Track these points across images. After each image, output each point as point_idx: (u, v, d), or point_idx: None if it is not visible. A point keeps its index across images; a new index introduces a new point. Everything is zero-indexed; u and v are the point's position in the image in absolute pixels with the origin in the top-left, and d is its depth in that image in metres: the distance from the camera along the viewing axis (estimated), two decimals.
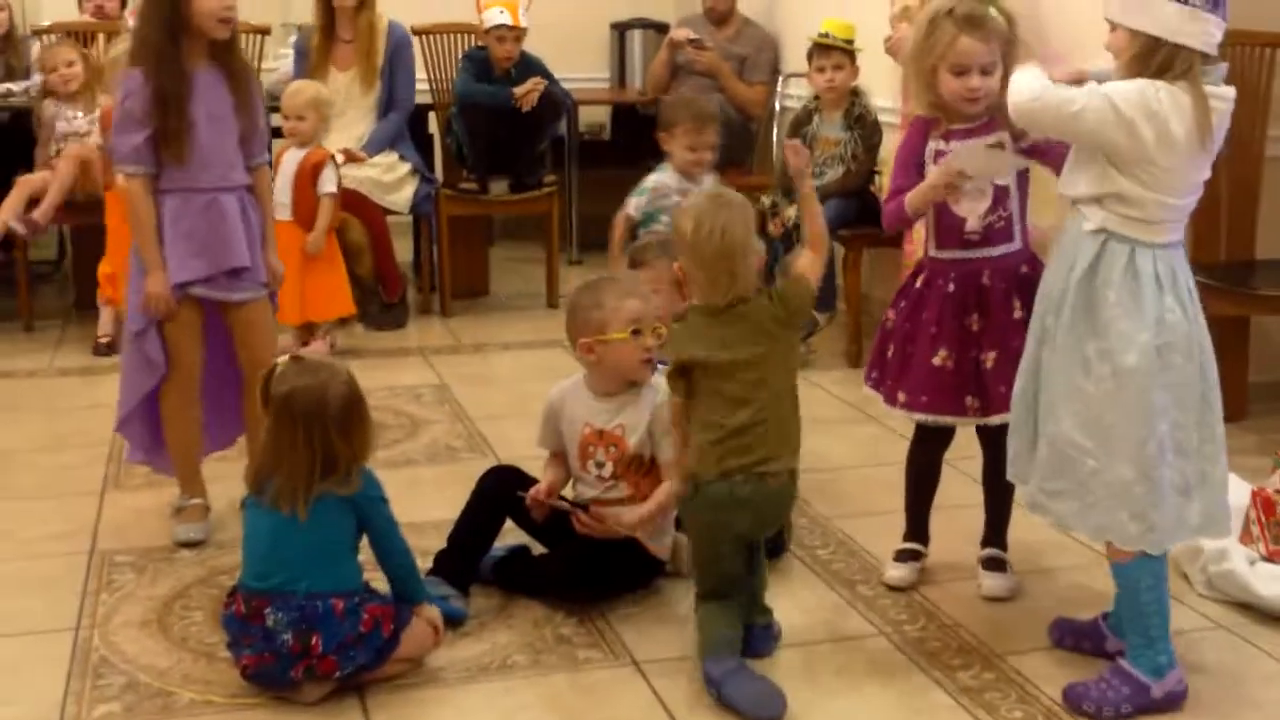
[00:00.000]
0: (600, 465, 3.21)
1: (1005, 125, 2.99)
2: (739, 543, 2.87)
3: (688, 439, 2.86)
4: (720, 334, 2.79)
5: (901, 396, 3.16)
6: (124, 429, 3.65)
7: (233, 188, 3.46)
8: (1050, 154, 2.95)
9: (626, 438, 3.18)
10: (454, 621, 3.02)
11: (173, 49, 3.31)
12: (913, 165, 3.12)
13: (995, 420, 3.06)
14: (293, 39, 6.36)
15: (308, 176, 5.23)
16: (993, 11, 2.97)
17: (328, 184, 5.27)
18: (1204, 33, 2.53)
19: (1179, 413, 2.62)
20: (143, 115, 3.33)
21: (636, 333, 3.14)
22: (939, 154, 3.07)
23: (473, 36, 6.28)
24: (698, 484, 2.81)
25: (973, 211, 3.06)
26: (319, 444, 2.73)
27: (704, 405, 2.81)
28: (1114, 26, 2.62)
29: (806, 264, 2.87)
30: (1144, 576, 2.68)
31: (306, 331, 5.35)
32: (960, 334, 3.08)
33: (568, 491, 3.32)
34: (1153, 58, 2.54)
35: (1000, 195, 3.05)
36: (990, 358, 3.06)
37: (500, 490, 3.26)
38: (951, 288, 3.08)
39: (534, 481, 3.27)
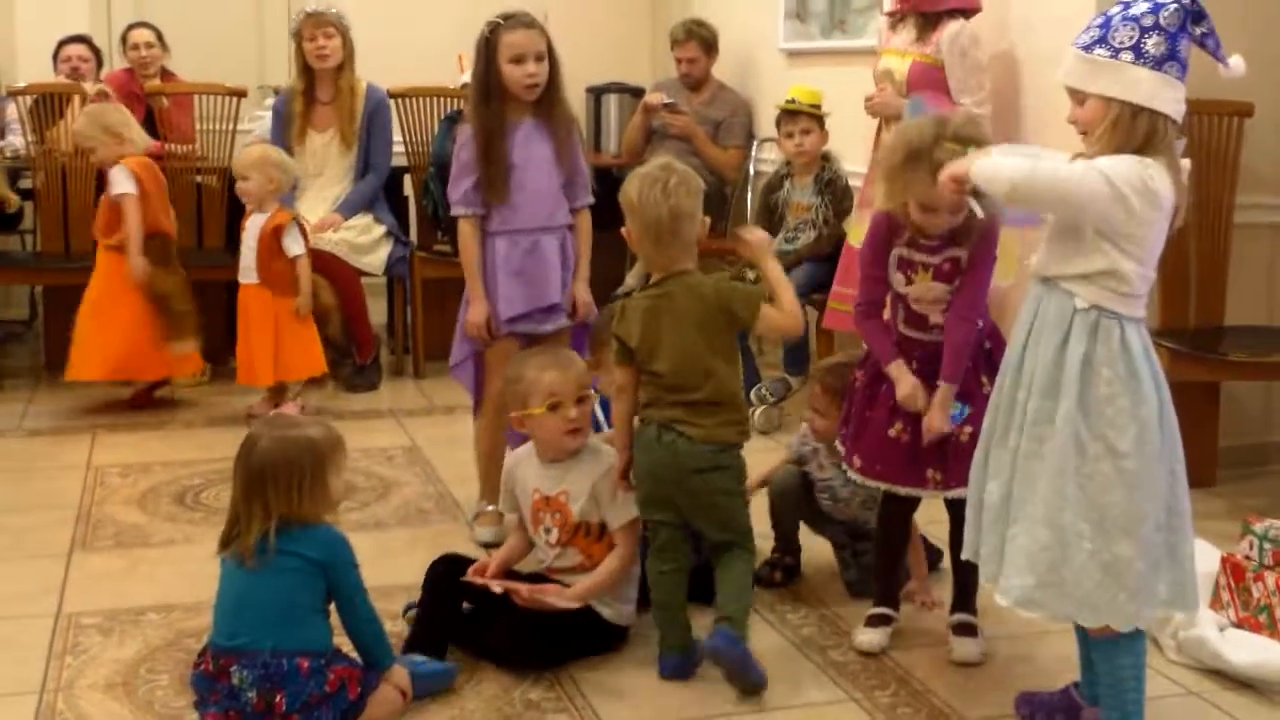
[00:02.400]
0: (549, 531, 3.20)
1: (965, 242, 3.04)
2: (658, 496, 3.08)
3: (628, 406, 3.10)
4: (657, 321, 3.02)
5: (856, 461, 3.19)
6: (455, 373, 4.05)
7: (555, 228, 3.83)
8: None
9: (570, 504, 3.18)
10: (447, 679, 3.01)
11: (487, 109, 3.73)
12: (876, 274, 3.15)
13: (955, 494, 3.08)
14: (270, 100, 6.39)
15: (269, 240, 5.18)
16: (971, 153, 2.88)
17: (295, 247, 5.22)
18: (1176, 100, 2.55)
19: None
20: (471, 164, 3.73)
21: (554, 407, 3.15)
22: (902, 261, 3.10)
23: (449, 100, 6.31)
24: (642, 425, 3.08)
25: (932, 312, 3.11)
26: (256, 496, 2.76)
27: (645, 378, 3.06)
28: (1081, 99, 2.59)
29: (774, 312, 3.01)
30: (1128, 654, 2.66)
31: (278, 393, 5.33)
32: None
33: (532, 557, 3.31)
34: (1134, 127, 2.53)
35: None
36: (964, 432, 3.07)
37: (450, 578, 3.22)
38: (915, 365, 3.12)
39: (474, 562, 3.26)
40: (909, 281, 3.09)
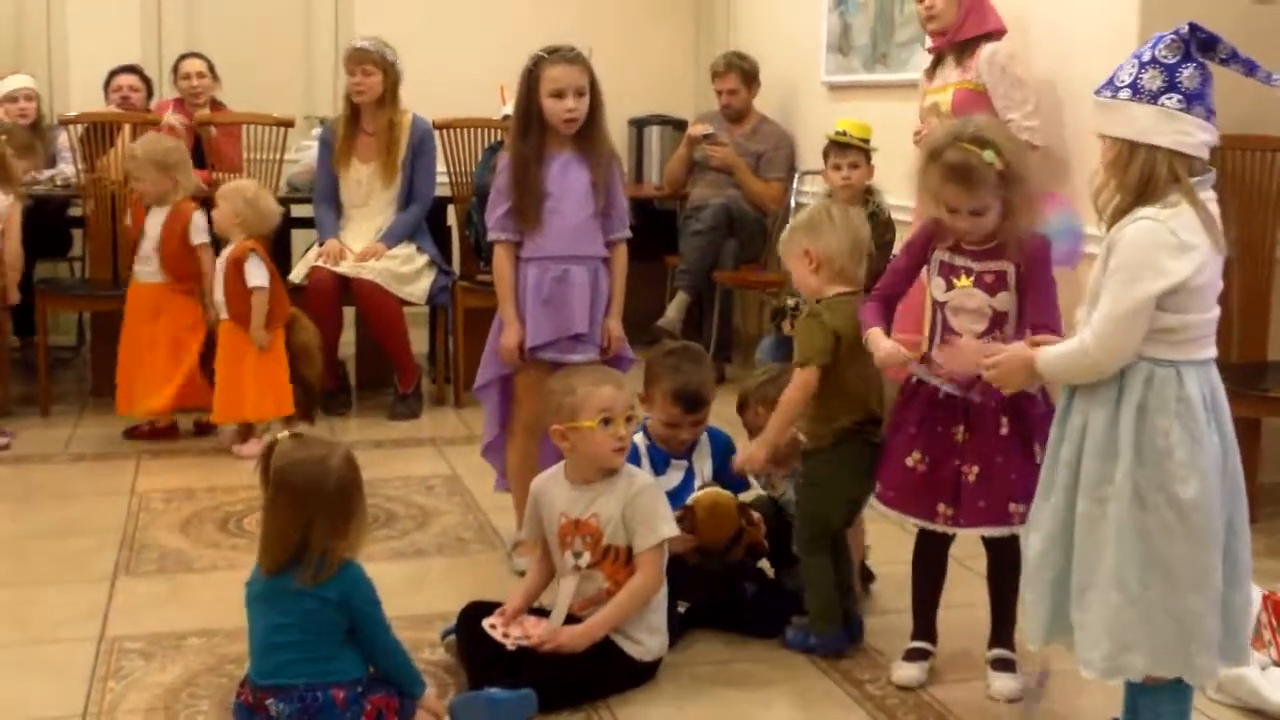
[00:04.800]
0: (578, 555, 3.20)
1: (1011, 253, 3.04)
2: (854, 495, 3.35)
3: (803, 407, 3.31)
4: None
5: (878, 487, 3.24)
6: (487, 455, 4.14)
7: (587, 258, 3.84)
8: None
9: (602, 528, 3.18)
10: (528, 705, 2.99)
11: (526, 140, 3.79)
12: (902, 269, 3.19)
13: (967, 531, 3.12)
14: (317, 130, 6.45)
15: (233, 272, 5.12)
16: (987, 156, 2.93)
17: (254, 278, 5.11)
18: (1178, 131, 2.51)
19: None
20: (505, 191, 3.80)
21: (607, 421, 3.17)
22: (944, 266, 3.11)
23: (491, 131, 6.36)
24: (835, 440, 3.28)
25: (969, 331, 3.09)
26: (339, 518, 2.75)
27: (840, 380, 3.27)
28: (1102, 138, 2.62)
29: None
30: (1171, 702, 2.63)
31: (247, 429, 5.28)
32: (943, 441, 3.11)
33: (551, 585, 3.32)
34: (1130, 164, 2.53)
35: (998, 319, 3.08)
36: (973, 472, 3.08)
37: (479, 626, 3.21)
38: (941, 395, 3.12)
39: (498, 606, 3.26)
40: (949, 286, 3.09)
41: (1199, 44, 2.52)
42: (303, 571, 2.74)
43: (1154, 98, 2.51)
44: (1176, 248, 2.48)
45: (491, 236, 3.87)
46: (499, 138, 6.19)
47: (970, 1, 4.83)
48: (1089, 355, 2.55)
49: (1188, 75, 2.51)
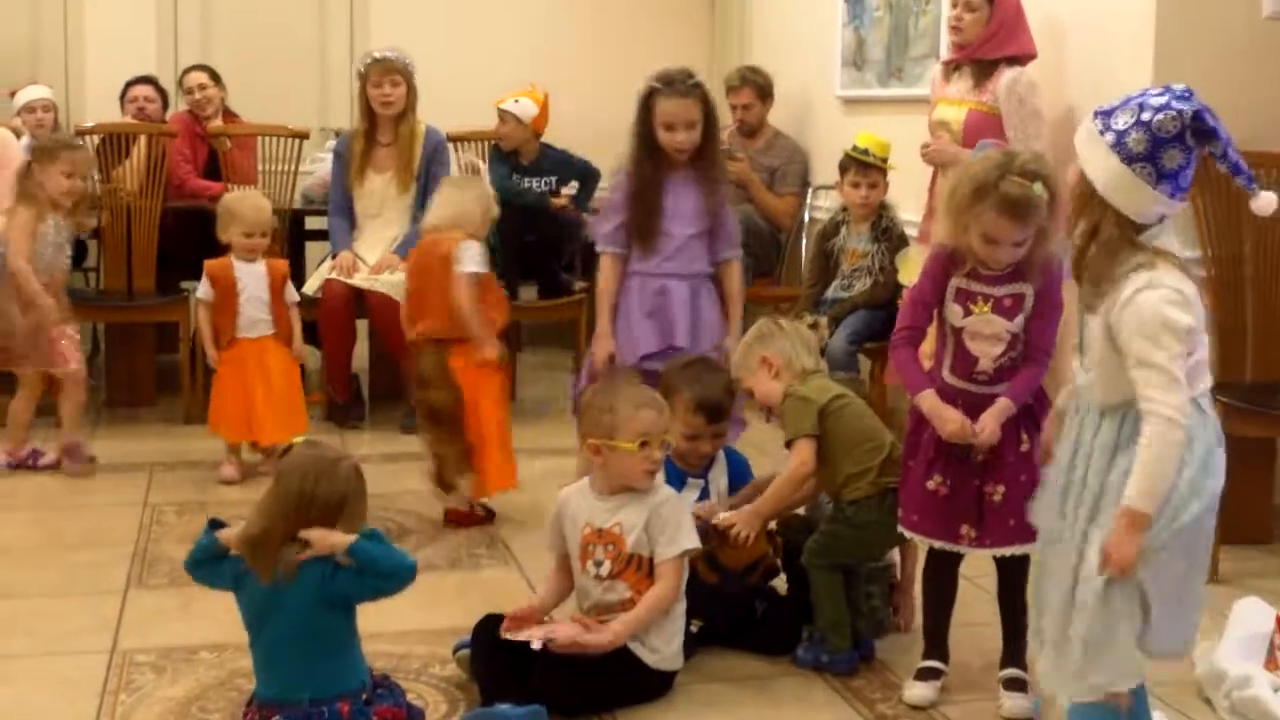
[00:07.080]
0: (599, 564, 3.22)
1: (1034, 276, 3.05)
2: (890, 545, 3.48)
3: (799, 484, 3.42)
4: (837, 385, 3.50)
5: (900, 512, 3.23)
6: None
7: (688, 275, 4.01)
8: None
9: (624, 536, 3.20)
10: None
11: (646, 163, 3.98)
12: (927, 302, 3.15)
13: (994, 552, 3.11)
14: (331, 142, 6.46)
15: (279, 289, 5.10)
16: (1037, 189, 2.92)
17: (294, 293, 5.13)
18: (1136, 201, 2.53)
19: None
20: (620, 206, 4.01)
21: (644, 445, 3.20)
22: (961, 293, 3.10)
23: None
24: (880, 491, 3.32)
25: (986, 354, 3.09)
26: (296, 510, 2.75)
27: (843, 433, 3.38)
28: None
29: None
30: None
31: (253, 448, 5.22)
32: (962, 463, 3.11)
33: (572, 600, 3.33)
34: (1085, 207, 2.56)
35: (1014, 340, 3.08)
36: (999, 492, 3.08)
37: (495, 635, 3.21)
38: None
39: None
40: (966, 313, 3.09)
41: (1195, 132, 2.52)
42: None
43: (1130, 160, 2.51)
44: (1182, 303, 2.50)
45: (600, 248, 4.04)
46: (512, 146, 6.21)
47: (1000, 23, 4.76)
48: (1172, 432, 2.47)
49: (1169, 155, 2.51)
